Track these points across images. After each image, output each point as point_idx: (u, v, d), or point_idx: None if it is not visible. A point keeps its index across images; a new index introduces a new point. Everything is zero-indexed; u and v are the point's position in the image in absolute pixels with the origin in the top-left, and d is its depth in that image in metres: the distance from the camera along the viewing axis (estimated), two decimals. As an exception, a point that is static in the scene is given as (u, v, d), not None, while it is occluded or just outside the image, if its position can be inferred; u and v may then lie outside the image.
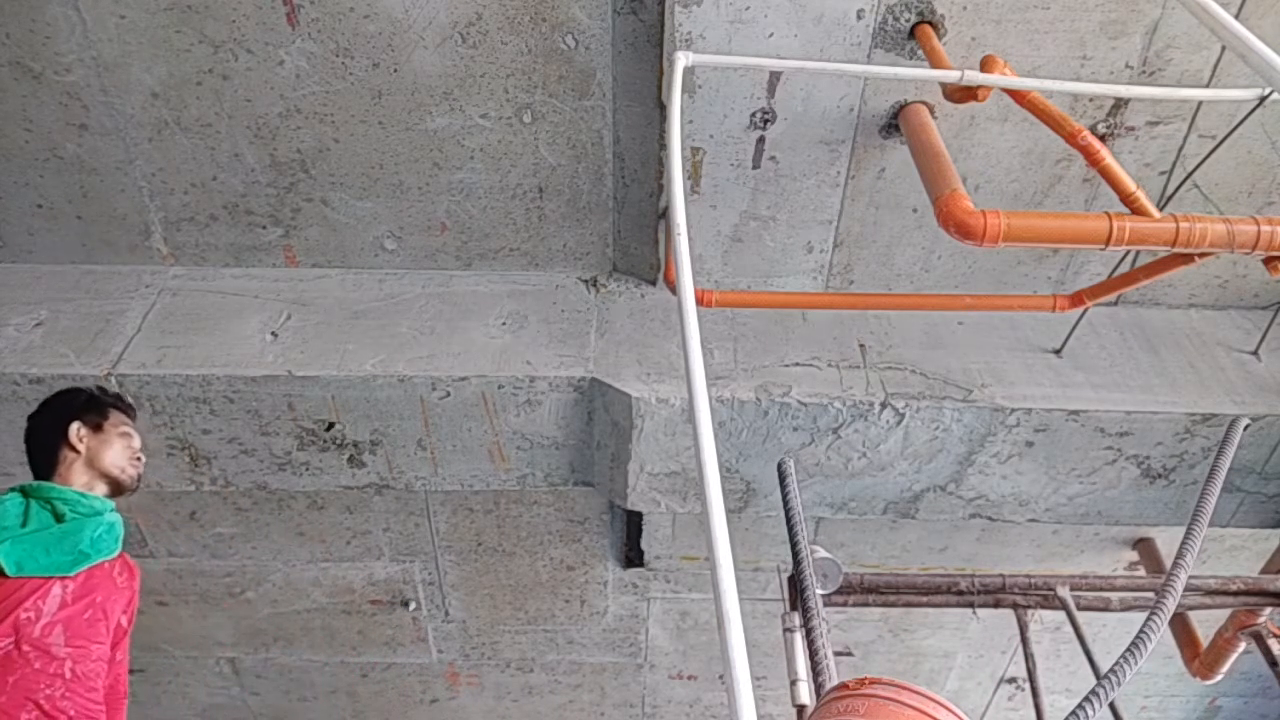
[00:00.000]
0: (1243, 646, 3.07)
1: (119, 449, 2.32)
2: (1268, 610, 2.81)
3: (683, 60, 2.16)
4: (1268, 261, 2.15)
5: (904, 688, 1.20)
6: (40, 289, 3.10)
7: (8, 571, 2.08)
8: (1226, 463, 2.15)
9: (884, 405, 2.85)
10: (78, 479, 2.26)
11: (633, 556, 3.93)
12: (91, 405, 2.36)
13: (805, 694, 2.05)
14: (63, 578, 2.13)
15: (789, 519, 2.29)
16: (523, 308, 3.08)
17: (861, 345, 3.01)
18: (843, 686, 1.26)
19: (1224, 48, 2.46)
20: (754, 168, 2.73)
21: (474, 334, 2.99)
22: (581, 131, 2.84)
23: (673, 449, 2.96)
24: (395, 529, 3.86)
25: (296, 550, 3.93)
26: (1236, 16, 2.36)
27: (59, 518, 2.18)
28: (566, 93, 2.76)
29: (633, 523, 3.79)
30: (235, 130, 2.83)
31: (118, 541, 2.25)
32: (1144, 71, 2.54)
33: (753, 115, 2.61)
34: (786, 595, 2.31)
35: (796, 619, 2.16)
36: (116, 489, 2.32)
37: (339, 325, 3.00)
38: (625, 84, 2.74)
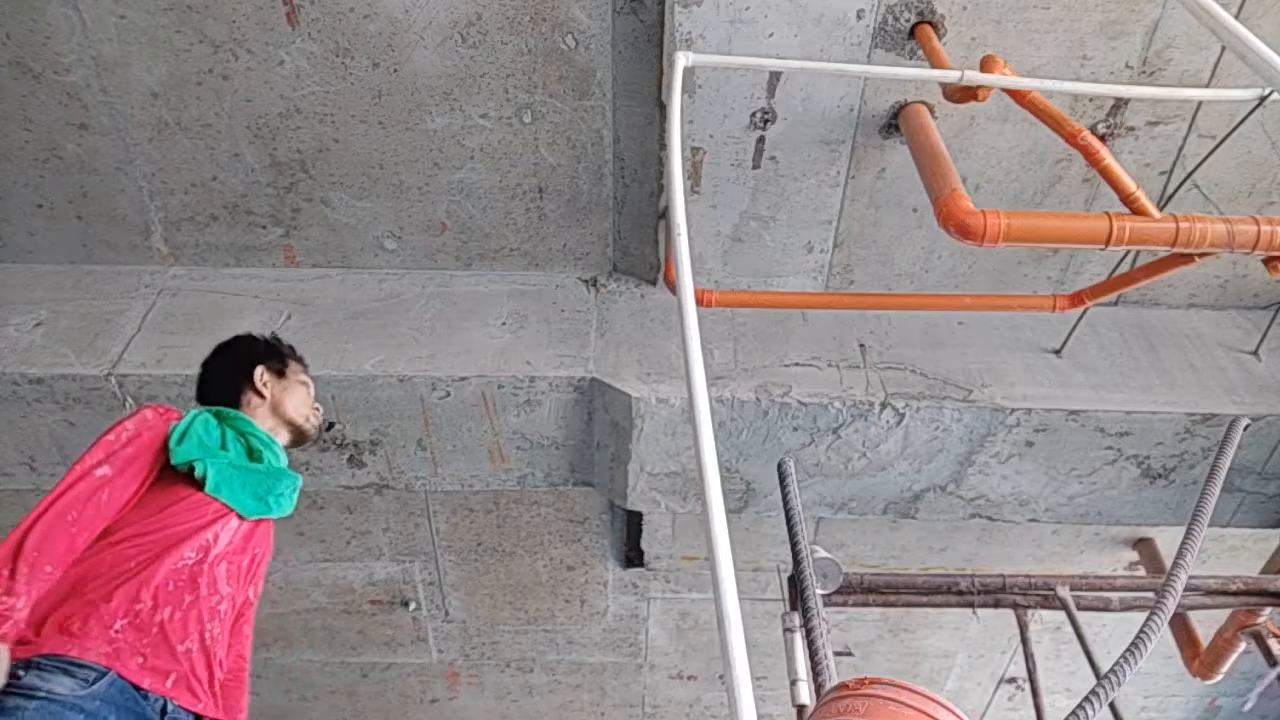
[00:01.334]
0: (1243, 646, 3.07)
1: (301, 396, 2.28)
2: (1268, 610, 2.81)
3: (683, 60, 2.16)
4: (1268, 261, 2.15)
5: (904, 688, 1.20)
6: (40, 289, 3.10)
7: (206, 488, 2.01)
8: (1226, 463, 2.15)
9: (884, 405, 2.85)
10: (263, 424, 2.20)
11: (633, 556, 3.93)
12: (272, 352, 2.32)
13: (805, 694, 2.05)
14: (242, 517, 2.06)
15: (789, 519, 2.29)
16: (523, 308, 3.08)
17: (861, 345, 3.01)
18: (843, 686, 1.26)
19: (1224, 48, 2.46)
20: (754, 168, 2.73)
21: (474, 334, 2.99)
22: (581, 131, 2.84)
23: (673, 449, 2.96)
24: (395, 529, 3.86)
25: (296, 550, 3.93)
26: (1236, 16, 2.36)
27: (253, 455, 2.12)
28: (566, 93, 2.76)
29: (633, 523, 3.79)
30: (235, 130, 2.83)
31: (294, 505, 2.20)
32: (1144, 71, 2.54)
33: (753, 115, 2.61)
34: (786, 595, 2.31)
35: (796, 619, 2.16)
36: (299, 437, 2.28)
37: (339, 325, 3.00)
38: (625, 84, 2.74)
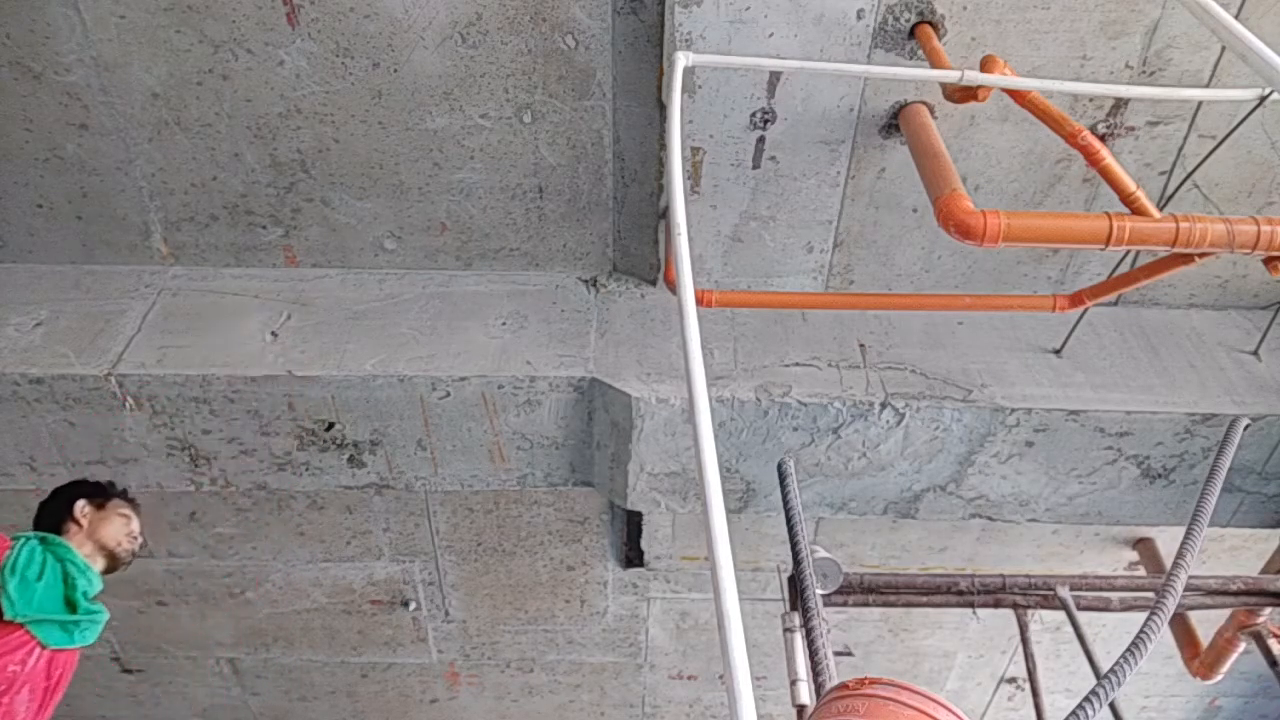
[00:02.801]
0: (1243, 646, 3.07)
1: (117, 525, 2.64)
2: (1268, 610, 2.81)
3: (683, 60, 2.16)
4: (1268, 261, 2.15)
5: (904, 688, 1.20)
6: (40, 289, 3.10)
7: (5, 614, 2.24)
8: (1226, 463, 2.15)
9: (884, 405, 2.85)
10: (80, 549, 2.53)
11: (633, 556, 3.93)
12: (96, 490, 2.71)
13: (805, 694, 2.05)
14: (45, 646, 2.34)
15: (789, 519, 2.29)
16: (523, 308, 3.08)
17: (861, 345, 3.01)
18: (843, 686, 1.26)
19: (1224, 48, 2.46)
20: (754, 168, 2.73)
21: (474, 334, 2.99)
22: (581, 131, 2.84)
23: (673, 449, 2.96)
24: (395, 529, 3.86)
25: (296, 550, 3.93)
26: (1236, 16, 2.36)
27: (67, 582, 2.41)
28: (566, 93, 2.76)
29: (633, 523, 3.79)
30: (235, 130, 2.83)
31: (96, 636, 2.51)
32: (1144, 71, 2.54)
33: (753, 115, 2.61)
34: (786, 595, 2.31)
35: (796, 619, 2.16)
36: (112, 563, 2.60)
37: (339, 325, 3.00)
38: (625, 84, 2.74)
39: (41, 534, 2.51)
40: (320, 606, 4.20)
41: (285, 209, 3.02)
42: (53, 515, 2.62)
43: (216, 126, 2.82)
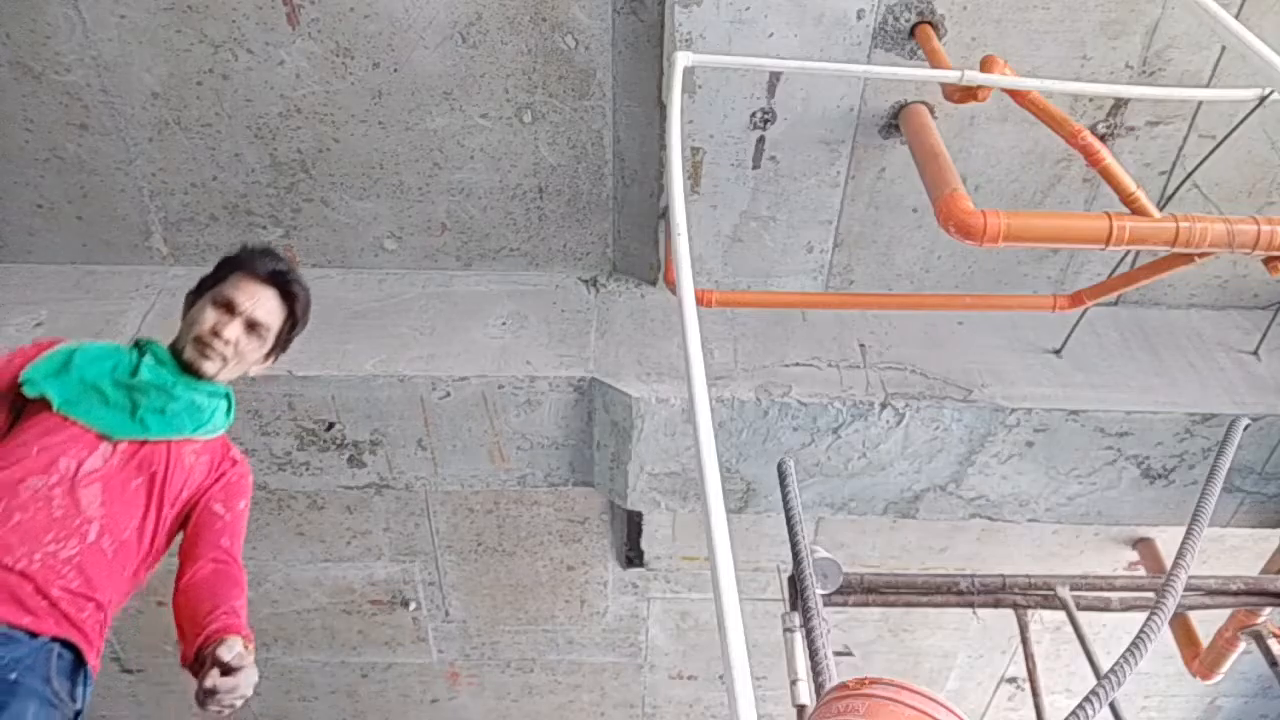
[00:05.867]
0: (1243, 646, 3.07)
1: (195, 317, 2.02)
2: (1268, 610, 2.81)
3: (683, 60, 2.16)
4: (1268, 261, 2.15)
5: (904, 688, 1.20)
6: (40, 289, 3.10)
7: (54, 404, 1.87)
8: (1226, 463, 2.15)
9: (884, 405, 2.85)
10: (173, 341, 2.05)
11: (633, 556, 3.93)
12: (219, 266, 2.09)
13: (805, 694, 2.05)
14: (110, 438, 1.89)
15: (789, 519, 2.29)
16: (523, 308, 3.08)
17: (861, 345, 3.01)
18: (843, 686, 1.26)
19: (1224, 48, 2.46)
20: (754, 168, 2.73)
21: (474, 334, 2.99)
22: (581, 131, 2.84)
23: (673, 449, 2.96)
24: (395, 529, 3.86)
25: (296, 550, 3.93)
26: (1236, 16, 2.35)
27: (134, 372, 1.95)
28: (566, 93, 2.76)
29: (633, 523, 3.79)
30: (235, 130, 2.83)
31: (193, 427, 1.98)
32: (1144, 71, 2.54)
33: (753, 115, 2.61)
34: (786, 595, 2.31)
35: (796, 619, 2.16)
36: (186, 368, 2.01)
37: (339, 325, 3.00)
38: (625, 84, 2.74)
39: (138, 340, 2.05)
40: (320, 606, 4.20)
41: (285, 209, 3.02)
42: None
43: (216, 126, 2.82)
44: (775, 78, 2.53)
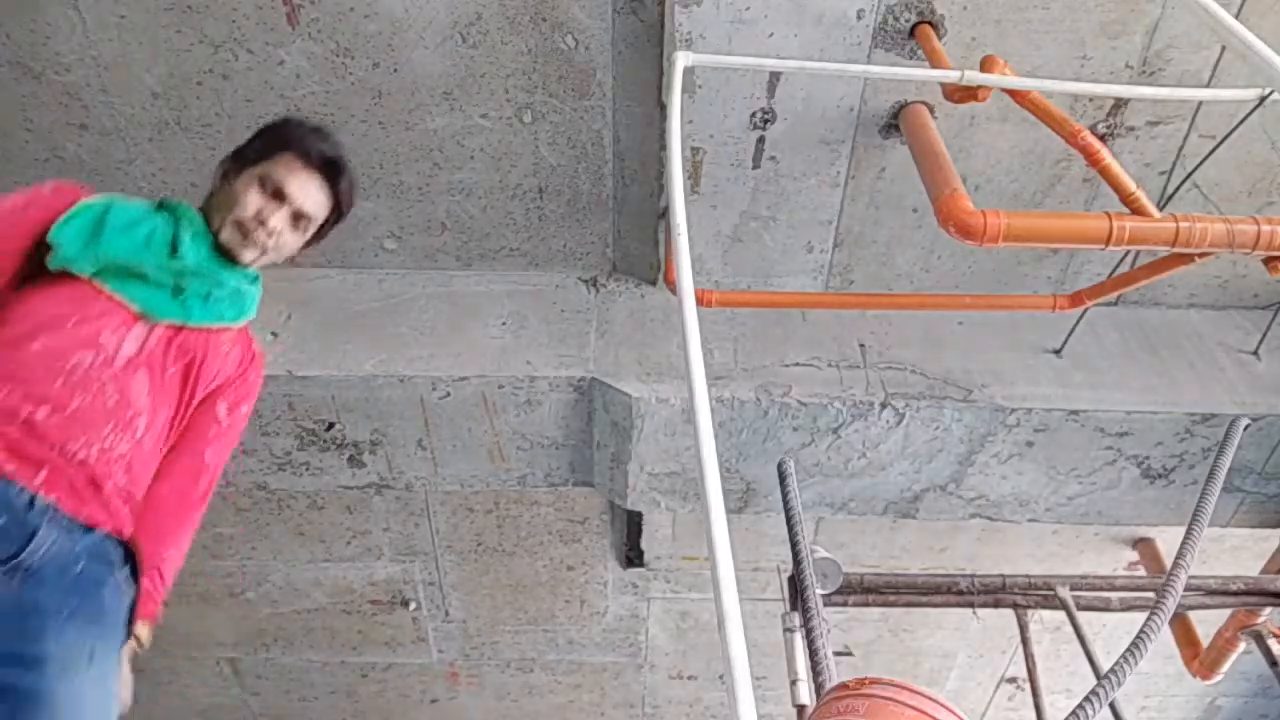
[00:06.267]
0: (1243, 646, 3.07)
1: (233, 198, 1.83)
2: (1268, 610, 2.81)
3: (683, 60, 2.16)
4: (1268, 261, 2.15)
5: (904, 688, 1.20)
6: (40, 289, 3.09)
7: (87, 271, 1.69)
8: (1226, 463, 2.15)
9: (884, 405, 2.85)
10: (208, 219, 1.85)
11: (633, 556, 3.93)
12: (262, 135, 1.90)
13: (805, 694, 2.05)
14: (149, 319, 1.74)
15: (789, 519, 2.29)
16: (523, 308, 3.08)
17: (861, 345, 3.01)
18: (842, 686, 1.26)
19: (1224, 48, 2.46)
20: (754, 168, 2.73)
21: (474, 334, 2.99)
22: (581, 131, 2.84)
23: (673, 449, 2.96)
24: (395, 529, 3.86)
25: (296, 550, 3.93)
26: (1236, 16, 2.35)
27: (174, 248, 1.77)
28: (566, 93, 2.76)
29: (633, 523, 3.79)
30: (235, 130, 2.83)
31: (233, 315, 1.88)
32: (1144, 71, 2.54)
33: (753, 115, 2.61)
34: (786, 595, 2.31)
35: (796, 619, 2.16)
36: (224, 252, 1.84)
37: (339, 325, 3.00)
38: (625, 84, 2.74)
39: (161, 200, 1.86)
40: (320, 606, 4.20)
41: (285, 209, 3.02)
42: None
43: (217, 127, 2.82)
44: (775, 78, 2.53)
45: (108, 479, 1.64)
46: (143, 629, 1.75)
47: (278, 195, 1.85)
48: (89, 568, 1.58)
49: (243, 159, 1.88)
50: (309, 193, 1.87)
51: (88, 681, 1.51)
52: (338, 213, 1.96)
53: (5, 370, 1.60)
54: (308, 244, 1.97)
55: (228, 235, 1.83)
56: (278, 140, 1.89)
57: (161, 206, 1.85)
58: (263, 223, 1.83)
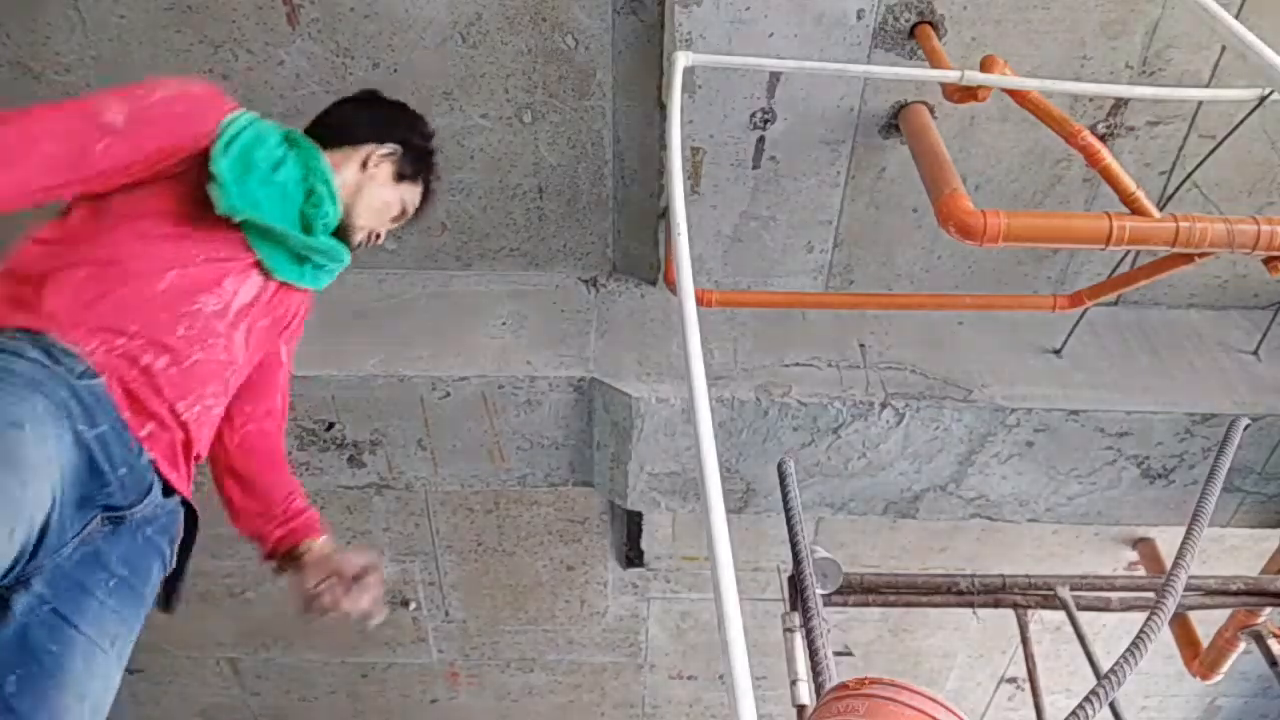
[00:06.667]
0: (1243, 646, 3.07)
1: (382, 203, 1.84)
2: (1268, 610, 2.81)
3: (683, 60, 2.16)
4: (1268, 261, 2.15)
5: (904, 688, 1.20)
6: (40, 289, 3.09)
7: (239, 217, 1.58)
8: (1226, 463, 2.15)
9: (884, 405, 2.85)
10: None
11: (633, 556, 3.93)
12: (413, 148, 1.90)
13: (805, 694, 2.05)
14: (267, 274, 1.68)
15: (789, 519, 2.29)
16: (523, 308, 3.08)
17: (861, 345, 3.01)
18: (842, 686, 1.26)
19: (1224, 48, 2.46)
20: (754, 168, 2.73)
21: (474, 334, 2.99)
22: (581, 131, 2.84)
23: (673, 449, 2.96)
24: (395, 529, 3.86)
25: (296, 550, 3.92)
26: (1236, 16, 2.35)
27: (309, 196, 1.69)
28: (566, 93, 2.76)
29: (633, 523, 3.79)
30: (235, 130, 2.83)
31: (329, 281, 1.86)
32: (1144, 71, 2.54)
33: (753, 115, 2.61)
34: (786, 595, 2.31)
35: (796, 619, 2.16)
36: (341, 233, 1.80)
37: (339, 325, 3.00)
38: (625, 84, 2.74)
39: (288, 133, 1.74)
40: (320, 606, 4.19)
41: (285, 209, 3.02)
42: (336, 126, 1.87)
43: (216, 126, 2.82)
44: (775, 78, 2.53)
45: (198, 442, 1.61)
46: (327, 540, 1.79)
47: (404, 213, 1.95)
48: (154, 538, 1.55)
49: (405, 166, 1.90)
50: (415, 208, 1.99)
51: (112, 660, 1.51)
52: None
53: (133, 305, 1.49)
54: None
55: (359, 234, 1.85)
56: (426, 165, 1.97)
57: (290, 143, 1.73)
58: (393, 225, 1.95)
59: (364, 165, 1.84)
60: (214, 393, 1.61)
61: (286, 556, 1.83)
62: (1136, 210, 2.07)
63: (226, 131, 1.61)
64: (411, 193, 1.93)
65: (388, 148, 1.86)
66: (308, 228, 1.71)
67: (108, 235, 1.54)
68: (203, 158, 1.58)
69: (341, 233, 1.81)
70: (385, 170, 1.86)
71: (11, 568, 1.26)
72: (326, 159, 1.75)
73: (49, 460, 1.28)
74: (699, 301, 2.84)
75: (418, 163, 1.92)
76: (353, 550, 1.80)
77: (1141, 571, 3.90)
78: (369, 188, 1.83)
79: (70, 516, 1.34)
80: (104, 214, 1.56)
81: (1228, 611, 3.02)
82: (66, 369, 1.37)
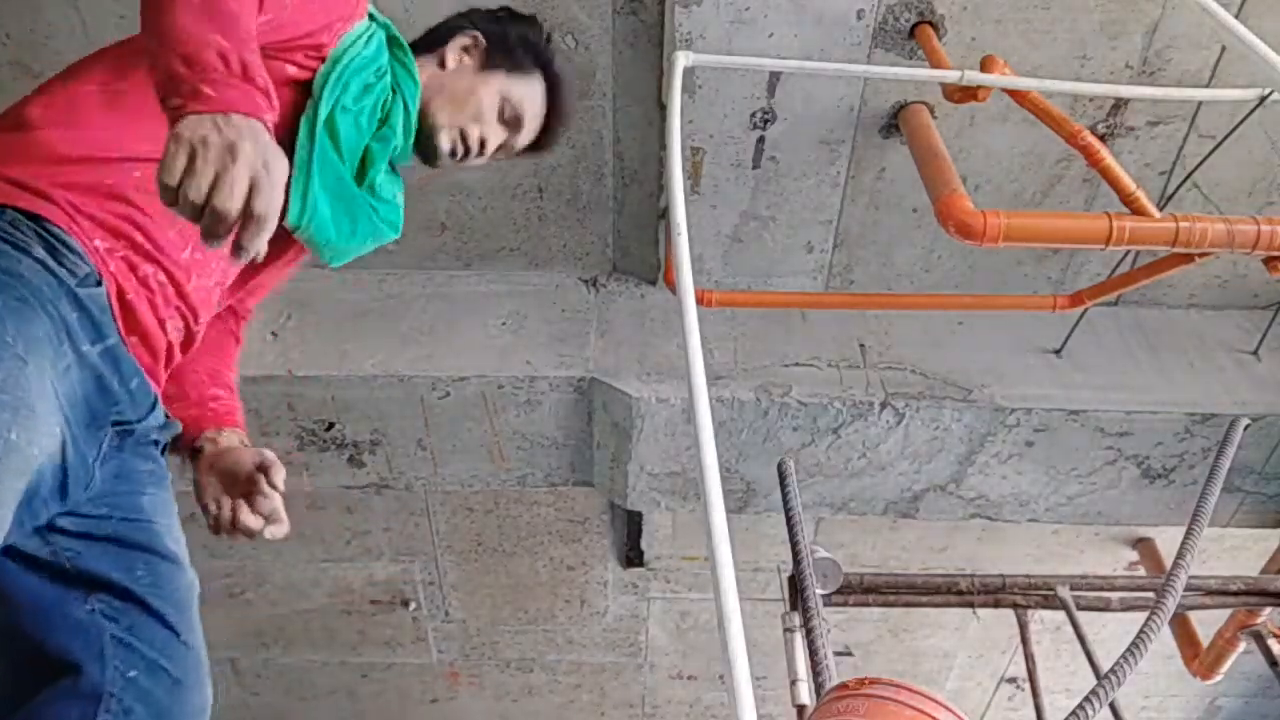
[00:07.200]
0: (1243, 646, 3.07)
1: (473, 105, 1.57)
2: (1268, 610, 2.81)
3: (683, 60, 2.16)
4: (1268, 261, 2.15)
5: (904, 688, 1.20)
6: (40, 289, 3.09)
7: (310, 128, 1.38)
8: (1226, 463, 2.15)
9: (884, 405, 2.85)
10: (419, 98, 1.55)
11: (633, 556, 3.93)
12: (526, 45, 1.64)
13: (805, 694, 2.05)
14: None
15: (789, 519, 2.29)
16: (523, 308, 3.08)
17: (861, 345, 3.01)
18: (842, 686, 1.26)
19: (1224, 48, 2.46)
20: (754, 167, 2.73)
21: (474, 334, 2.99)
22: (581, 131, 2.84)
23: (673, 449, 2.96)
24: (395, 529, 3.86)
25: (296, 550, 3.93)
26: (1236, 16, 2.35)
27: (385, 121, 1.46)
28: (566, 93, 2.76)
29: (633, 523, 3.79)
30: (235, 130, 2.83)
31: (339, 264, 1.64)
32: (1144, 71, 2.54)
33: (753, 115, 2.61)
34: (786, 595, 2.31)
35: (796, 619, 2.16)
36: (425, 152, 1.59)
37: (339, 325, 3.00)
38: (625, 84, 2.74)
39: (391, 34, 1.55)
40: (320, 606, 4.20)
41: (285, 209, 3.02)
42: (427, 32, 1.70)
43: (216, 126, 2.82)
44: (775, 78, 2.53)
45: (175, 361, 1.50)
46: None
47: (515, 125, 1.62)
48: (158, 442, 1.49)
49: (494, 54, 1.62)
50: (534, 130, 1.65)
51: (177, 527, 1.52)
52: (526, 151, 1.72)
53: (146, 213, 1.34)
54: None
55: (445, 142, 1.57)
56: (538, 55, 1.65)
57: (387, 74, 1.49)
58: (484, 145, 1.60)
59: (442, 64, 1.61)
60: (202, 318, 1.50)
61: (193, 449, 1.63)
62: (1136, 210, 2.07)
63: (357, 25, 1.43)
64: (519, 86, 1.61)
65: (466, 37, 1.62)
66: (365, 167, 1.48)
67: (133, 128, 1.37)
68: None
69: (425, 147, 1.58)
70: (469, 63, 1.62)
71: (40, 509, 1.23)
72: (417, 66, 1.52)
73: (53, 394, 1.19)
74: (699, 301, 2.84)
75: (519, 50, 1.63)
76: (248, 448, 1.62)
77: (1141, 571, 3.90)
78: (449, 83, 1.58)
79: (85, 442, 1.28)
80: (122, 101, 1.40)
81: (1228, 611, 3.02)
82: (69, 271, 1.25)
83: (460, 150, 1.61)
